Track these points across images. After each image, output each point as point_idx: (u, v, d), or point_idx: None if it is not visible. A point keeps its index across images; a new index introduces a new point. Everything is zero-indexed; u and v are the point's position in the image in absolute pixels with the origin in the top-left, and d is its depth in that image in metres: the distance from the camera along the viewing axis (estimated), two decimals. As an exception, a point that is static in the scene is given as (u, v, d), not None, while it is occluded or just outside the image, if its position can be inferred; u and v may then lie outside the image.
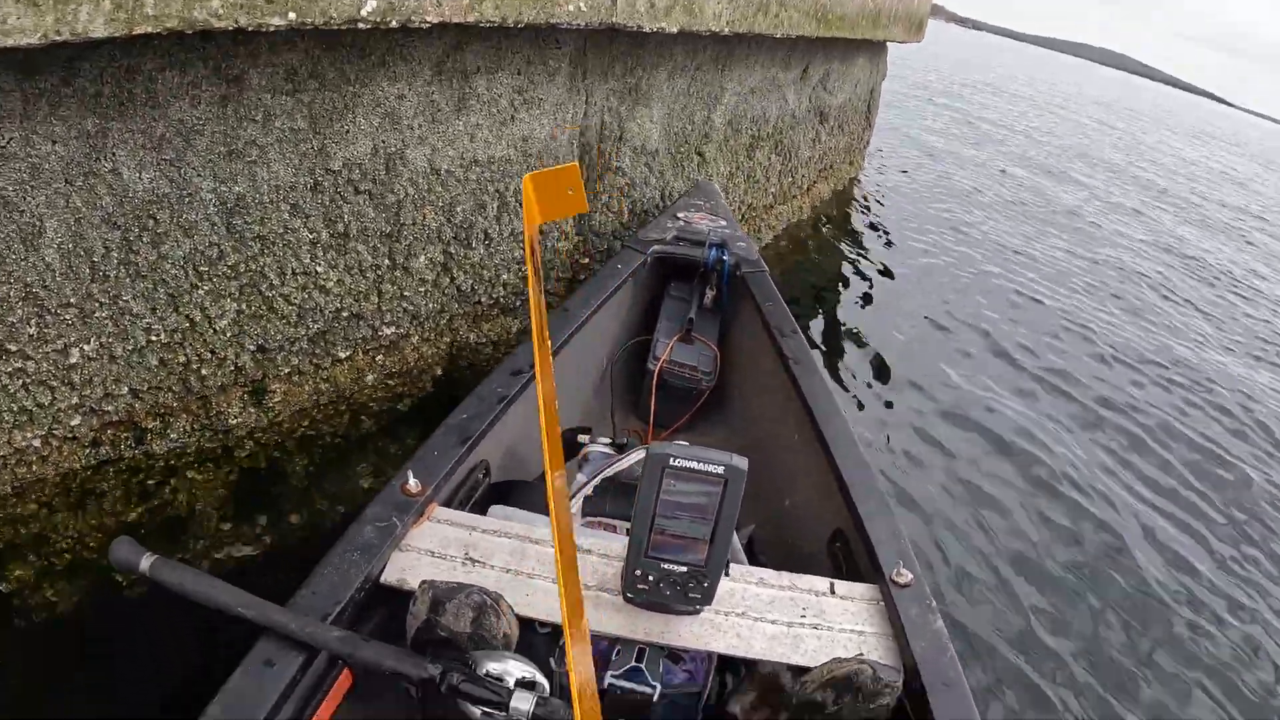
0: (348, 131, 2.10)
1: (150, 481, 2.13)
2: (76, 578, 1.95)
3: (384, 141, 2.20)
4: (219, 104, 1.82)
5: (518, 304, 2.83)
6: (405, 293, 2.46)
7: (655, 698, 1.37)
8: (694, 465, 1.24)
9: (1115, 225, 8.43)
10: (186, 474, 2.23)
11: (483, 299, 2.72)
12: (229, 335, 2.12)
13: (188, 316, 2.00)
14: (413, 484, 1.48)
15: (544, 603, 1.38)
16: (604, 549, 1.47)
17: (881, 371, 3.92)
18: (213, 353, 2.11)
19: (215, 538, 2.20)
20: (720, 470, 1.24)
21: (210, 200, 1.91)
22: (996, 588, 2.69)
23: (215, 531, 2.21)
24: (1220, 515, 3.44)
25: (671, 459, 1.24)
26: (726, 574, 1.46)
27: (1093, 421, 3.90)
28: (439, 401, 2.62)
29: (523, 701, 1.14)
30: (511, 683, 1.16)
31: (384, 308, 2.43)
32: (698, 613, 1.38)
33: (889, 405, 3.64)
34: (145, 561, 1.20)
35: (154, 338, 1.95)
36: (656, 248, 2.49)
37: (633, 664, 1.37)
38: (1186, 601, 2.85)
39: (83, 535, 1.99)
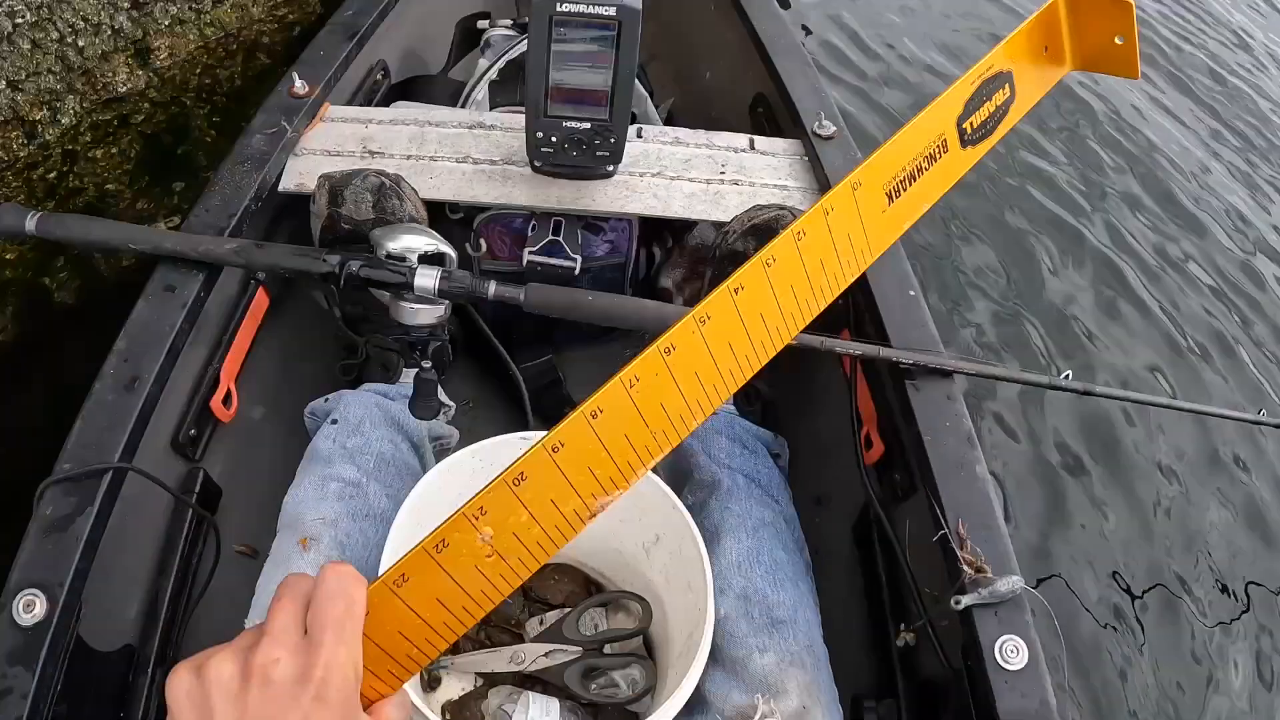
0: None
1: (51, 175, 2.00)
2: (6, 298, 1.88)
3: None
4: None
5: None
6: (277, -91, 2.23)
7: (577, 271, 1.33)
8: (583, 9, 1.12)
9: None
10: (87, 156, 2.09)
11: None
12: (98, -2, 1.93)
13: (50, -12, 1.80)
14: (299, 85, 1.36)
15: (449, 183, 1.31)
16: (509, 124, 1.38)
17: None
18: (85, 20, 1.92)
19: (133, 216, 2.10)
20: (612, 11, 1.12)
21: None
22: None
23: (132, 209, 2.11)
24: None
25: (558, 4, 1.11)
26: (640, 136, 1.39)
27: None
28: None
29: (427, 278, 1.08)
30: (414, 260, 1.11)
31: (255, -69, 2.20)
32: (610, 174, 1.31)
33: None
34: (30, 221, 1.10)
35: (18, 20, 1.76)
36: None
37: (550, 238, 1.32)
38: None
39: (-2, 252, 1.89)
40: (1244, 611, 1.76)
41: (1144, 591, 1.73)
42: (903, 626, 1.09)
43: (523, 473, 0.57)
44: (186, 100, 2.22)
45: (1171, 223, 2.62)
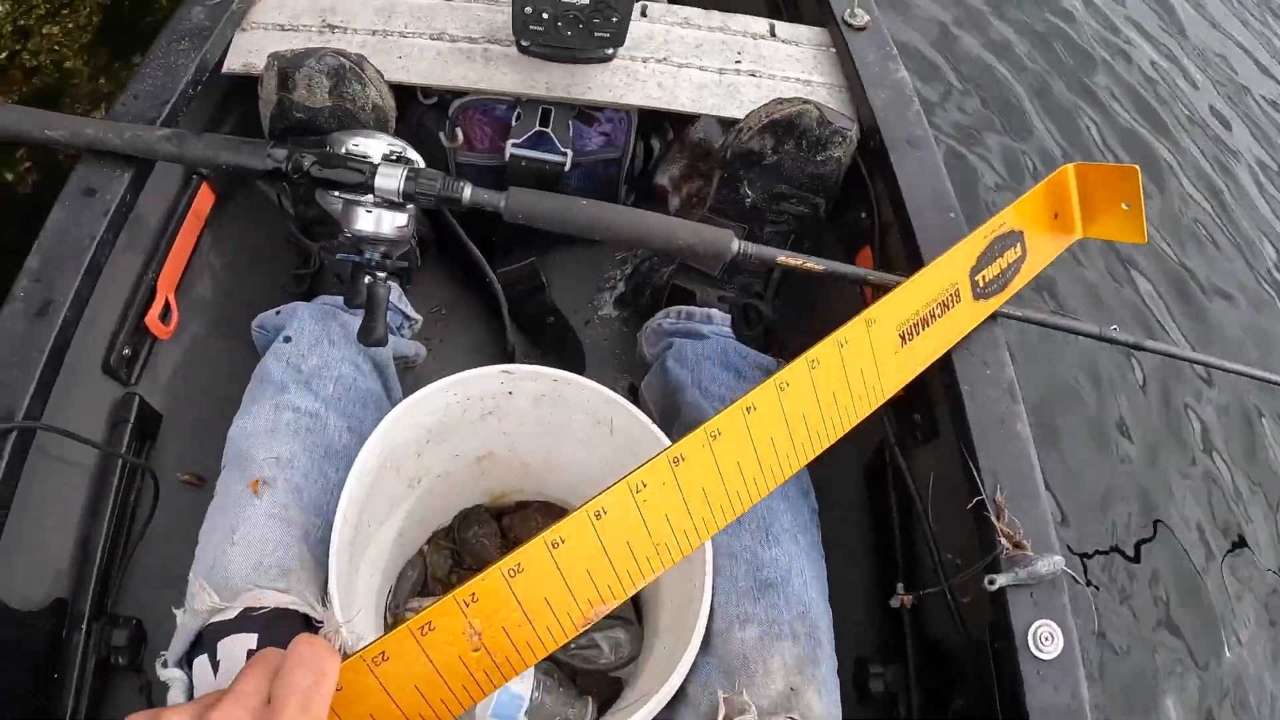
0: None
1: (2, 55, 1.84)
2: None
3: None
4: None
5: None
6: None
7: (567, 167, 1.17)
8: None
9: None
10: (41, 31, 1.95)
11: None
12: None
13: None
14: None
15: (420, 65, 1.13)
16: None
17: None
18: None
19: (93, 94, 1.94)
20: None
21: None
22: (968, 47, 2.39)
23: (91, 87, 1.95)
24: None
25: None
26: (644, 15, 1.21)
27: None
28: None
29: (390, 178, 0.90)
30: (377, 158, 0.93)
31: None
32: (610, 58, 1.14)
33: None
34: None
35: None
36: None
37: (537, 129, 1.15)
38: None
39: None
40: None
41: (1166, 561, 1.57)
42: (901, 588, 0.97)
43: (519, 564, 0.57)
44: (151, -38, 2.04)
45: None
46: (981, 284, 0.92)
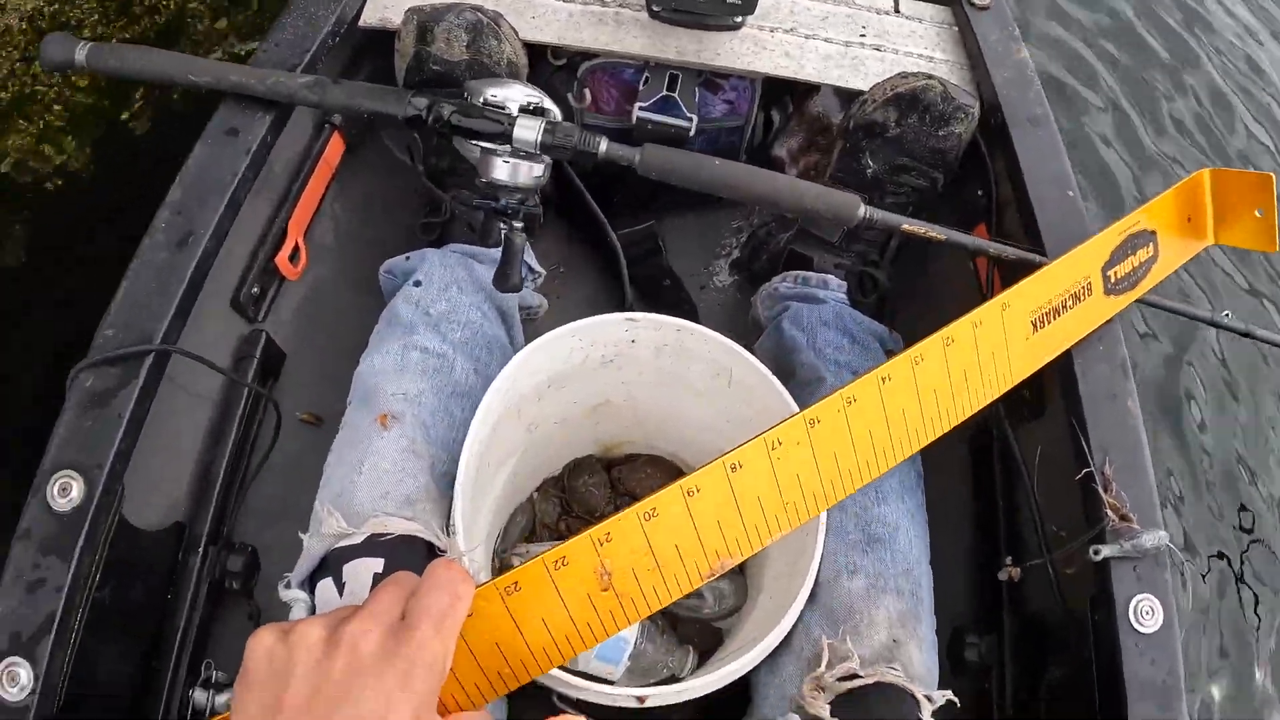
0: None
1: (125, -5, 1.88)
2: (79, 130, 1.78)
3: None
4: None
5: None
6: None
7: (692, 132, 1.19)
8: None
9: None
10: None
11: None
12: None
13: None
14: None
15: (553, 25, 1.16)
16: None
17: None
18: None
19: (210, 39, 1.98)
20: None
21: None
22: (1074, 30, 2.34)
23: (210, 31, 1.99)
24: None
25: None
26: (771, -14, 1.23)
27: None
28: None
29: (528, 129, 0.93)
30: (514, 109, 0.95)
31: None
32: (739, 26, 1.15)
33: None
34: (81, 52, 0.97)
35: None
36: None
37: (664, 93, 1.18)
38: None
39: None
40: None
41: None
42: (1009, 560, 0.99)
43: (654, 509, 0.59)
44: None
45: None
46: (1113, 279, 0.92)
